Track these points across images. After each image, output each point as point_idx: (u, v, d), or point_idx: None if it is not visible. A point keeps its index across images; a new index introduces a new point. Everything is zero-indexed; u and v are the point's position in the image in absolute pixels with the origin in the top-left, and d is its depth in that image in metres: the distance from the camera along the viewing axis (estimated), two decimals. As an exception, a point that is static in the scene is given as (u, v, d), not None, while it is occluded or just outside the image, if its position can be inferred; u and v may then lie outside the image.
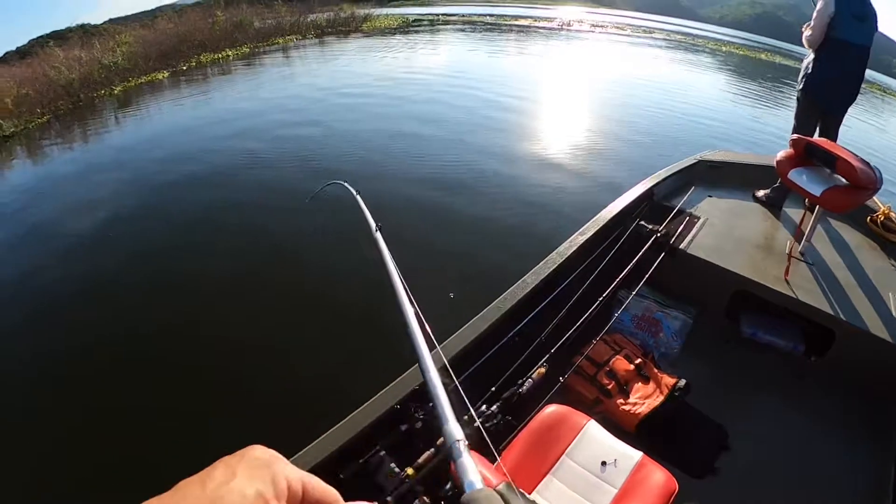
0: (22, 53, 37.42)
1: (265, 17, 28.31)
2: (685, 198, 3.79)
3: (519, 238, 5.60)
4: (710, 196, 4.00)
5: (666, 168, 4.17)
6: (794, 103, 4.24)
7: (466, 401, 1.47)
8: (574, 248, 3.01)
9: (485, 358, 2.29)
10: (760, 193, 4.10)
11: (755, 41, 64.45)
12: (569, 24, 36.83)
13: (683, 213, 3.63)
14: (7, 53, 46.66)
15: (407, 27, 30.66)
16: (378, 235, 2.21)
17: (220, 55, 21.97)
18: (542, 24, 36.20)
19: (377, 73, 15.11)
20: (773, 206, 3.99)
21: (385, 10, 39.08)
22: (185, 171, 8.37)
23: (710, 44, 37.04)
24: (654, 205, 3.80)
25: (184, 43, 22.38)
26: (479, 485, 0.87)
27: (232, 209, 6.78)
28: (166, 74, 19.81)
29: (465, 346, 2.23)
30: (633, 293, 3.01)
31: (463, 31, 29.47)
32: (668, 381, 2.59)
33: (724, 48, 34.98)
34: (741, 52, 33.86)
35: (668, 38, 37.29)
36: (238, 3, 30.23)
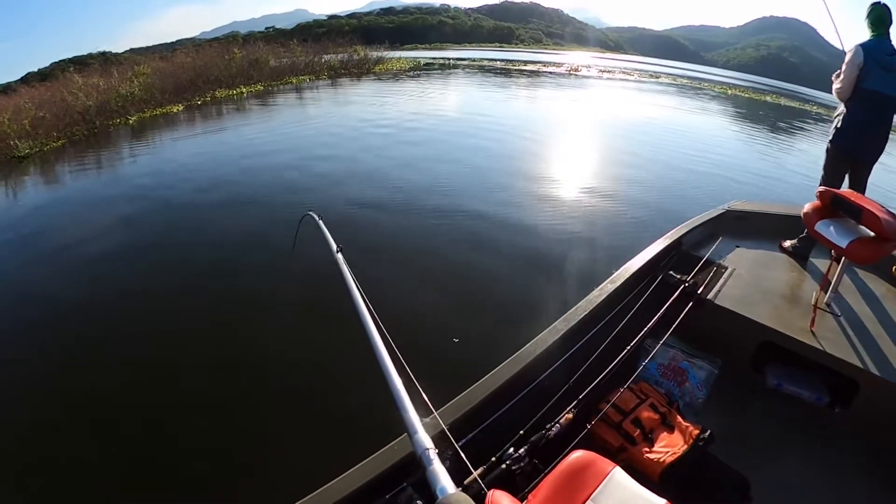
0: (43, 75, 38.46)
1: (281, 56, 29.31)
2: (713, 248, 3.86)
3: (540, 286, 5.59)
4: (737, 246, 4.05)
5: (693, 218, 4.25)
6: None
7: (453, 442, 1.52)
8: (604, 296, 3.04)
9: (515, 401, 2.33)
10: (787, 244, 4.15)
11: (761, 83, 65.34)
12: (577, 70, 37.92)
13: (711, 264, 3.69)
14: (29, 74, 48.02)
15: (419, 70, 31.55)
16: (339, 257, 2.38)
17: (234, 91, 22.74)
18: (550, 69, 37.23)
19: (389, 115, 15.60)
20: (800, 256, 4.03)
21: (397, 54, 40.16)
22: (190, 203, 8.93)
23: (715, 87, 37.64)
24: (682, 254, 3.86)
25: (200, 77, 23.21)
26: (451, 489, 1.03)
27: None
28: (181, 108, 20.42)
29: (497, 388, 2.26)
30: (661, 343, 3.03)
31: (473, 75, 30.36)
32: (693, 430, 2.58)
33: (730, 91, 35.55)
34: (747, 95, 34.44)
35: (674, 82, 38.16)
36: (255, 41, 31.28)
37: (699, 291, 3.32)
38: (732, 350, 3.25)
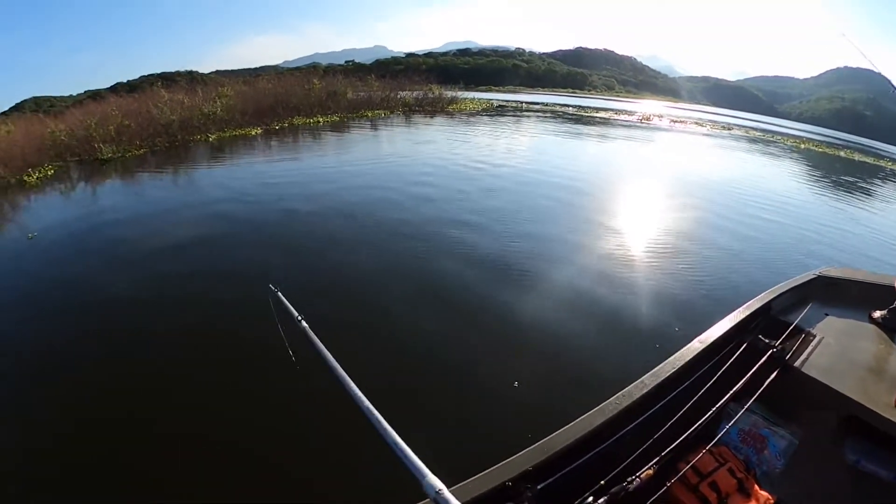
0: (131, 87, 40.71)
1: (358, 89, 29.99)
2: (802, 314, 3.75)
3: (625, 342, 5.39)
4: (826, 314, 3.91)
5: (784, 283, 4.16)
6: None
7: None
8: (691, 355, 3.04)
9: (598, 450, 2.37)
10: (877, 315, 3.93)
11: (835, 137, 63.52)
12: (648, 119, 37.60)
13: (800, 330, 3.61)
14: (118, 84, 51.10)
15: (491, 112, 31.79)
16: (304, 325, 2.39)
17: (311, 120, 23.40)
18: (622, 117, 37.04)
19: (462, 154, 15.49)
20: (890, 329, 3.81)
21: (471, 94, 40.66)
22: (258, 220, 9.14)
23: (788, 140, 36.73)
24: (771, 319, 3.79)
25: (280, 104, 23.98)
26: None
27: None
28: (259, 131, 21.06)
29: (581, 436, 2.30)
30: (744, 409, 3.00)
31: (545, 120, 30.34)
32: (768, 499, 2.58)
33: (802, 145, 34.62)
34: (820, 150, 33.39)
35: (746, 134, 37.19)
36: (334, 73, 32.16)
37: (786, 358, 3.25)
38: (814, 421, 3.19)
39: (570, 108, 40.39)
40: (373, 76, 32.22)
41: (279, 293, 2.95)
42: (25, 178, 15.44)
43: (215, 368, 4.81)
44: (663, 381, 2.79)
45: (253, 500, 3.40)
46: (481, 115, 29.71)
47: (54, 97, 63.70)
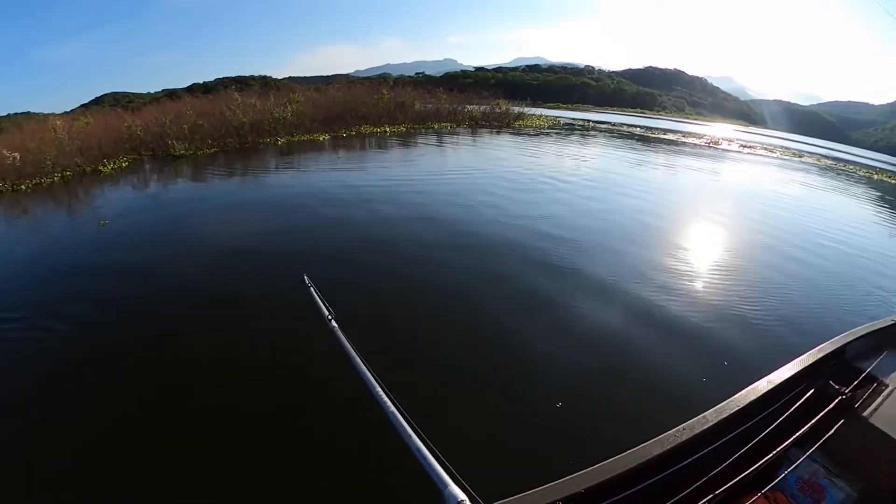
0: (207, 88, 42.16)
1: (426, 101, 30.03)
2: (876, 362, 3.55)
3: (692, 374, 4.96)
4: None
5: (860, 327, 3.85)
6: None
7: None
8: (757, 395, 2.89)
9: (651, 481, 2.32)
10: None
11: None
12: (717, 143, 36.23)
13: (872, 378, 3.40)
14: (194, 85, 53.05)
15: (558, 130, 31.30)
16: (334, 324, 2.37)
17: (379, 129, 23.51)
18: (691, 139, 35.87)
19: (533, 169, 14.90)
20: None
21: (538, 111, 40.15)
22: (315, 227, 8.99)
23: (861, 170, 34.70)
24: (843, 364, 3.59)
25: (349, 112, 24.27)
26: None
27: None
28: (327, 137, 21.37)
29: (637, 465, 2.23)
30: (805, 455, 2.87)
31: (613, 140, 29.62)
32: None
33: (875, 175, 32.54)
34: (894, 181, 31.64)
35: (818, 162, 35.26)
36: (403, 84, 32.34)
37: (855, 406, 3.13)
38: (877, 475, 2.97)
39: (638, 129, 39.45)
40: (441, 89, 32.21)
41: (312, 288, 2.91)
42: (101, 167, 16.32)
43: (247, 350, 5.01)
44: (726, 417, 2.69)
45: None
46: (548, 132, 29.24)
47: (132, 93, 66.81)
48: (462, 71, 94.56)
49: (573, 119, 41.79)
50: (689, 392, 4.54)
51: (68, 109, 39.40)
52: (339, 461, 3.60)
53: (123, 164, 17.07)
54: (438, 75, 75.26)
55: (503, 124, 29.79)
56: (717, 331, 5.86)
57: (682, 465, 2.49)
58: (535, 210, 10.61)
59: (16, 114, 45.08)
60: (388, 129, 23.55)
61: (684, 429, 2.53)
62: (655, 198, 13.28)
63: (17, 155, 16.25)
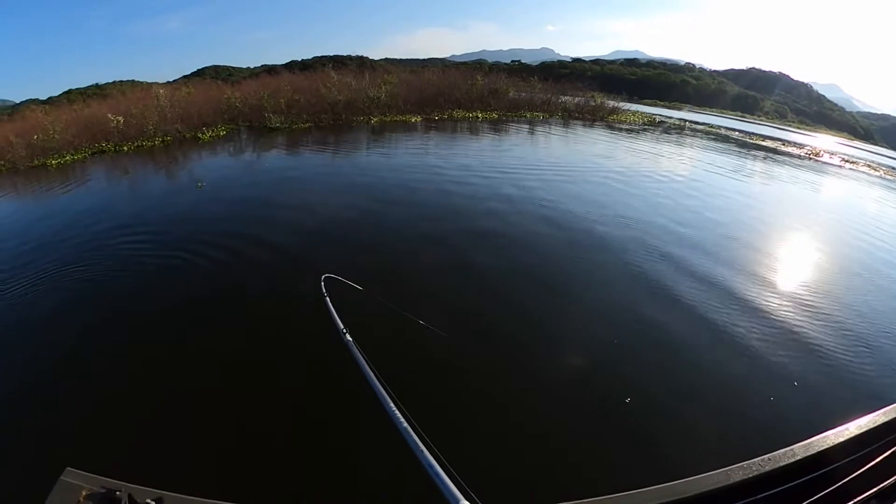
0: (304, 66, 43.26)
1: (520, 89, 29.51)
2: None
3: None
4: None
5: None
6: None
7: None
8: (846, 437, 2.54)
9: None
10: None
11: None
12: (818, 154, 33.62)
13: None
14: (292, 62, 54.59)
15: (652, 127, 29.92)
16: (349, 338, 2.30)
17: (471, 114, 23.32)
18: (789, 148, 33.54)
19: (618, 167, 14.13)
20: None
21: (634, 107, 38.57)
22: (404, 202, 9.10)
23: None
24: None
25: (441, 96, 24.26)
26: None
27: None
28: (419, 119, 21.35)
29: (714, 489, 2.11)
30: None
31: (710, 142, 27.97)
32: None
33: None
34: None
35: None
36: (498, 71, 31.84)
37: None
38: None
39: (737, 133, 37.20)
40: (536, 78, 31.53)
41: (327, 298, 2.83)
42: (200, 135, 17.20)
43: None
44: (812, 455, 2.43)
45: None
46: (643, 129, 27.92)
47: (232, 67, 69.58)
48: (559, 61, 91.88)
49: (668, 117, 39.86)
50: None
51: (171, 79, 41.35)
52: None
53: (221, 133, 17.77)
54: (534, 64, 73.74)
55: (596, 118, 28.79)
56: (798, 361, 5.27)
57: (760, 496, 2.26)
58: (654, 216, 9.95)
59: (120, 81, 48.07)
60: (479, 115, 23.34)
61: (768, 459, 2.34)
62: (750, 209, 12.16)
63: (120, 119, 17.42)
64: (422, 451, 1.52)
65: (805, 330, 5.93)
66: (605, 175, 12.87)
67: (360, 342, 2.22)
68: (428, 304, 5.50)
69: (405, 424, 1.63)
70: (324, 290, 2.96)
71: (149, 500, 1.83)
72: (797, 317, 6.20)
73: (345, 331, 2.37)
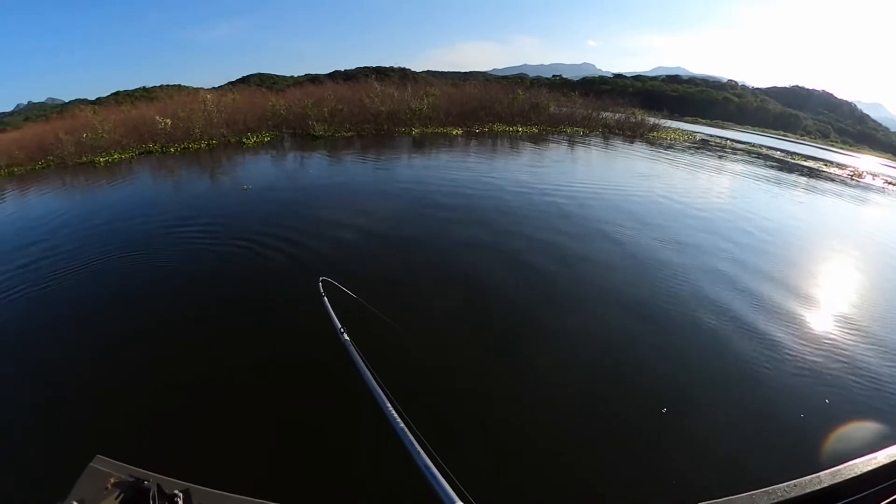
0: (347, 76, 43.90)
1: (561, 104, 29.47)
2: None
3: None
4: None
5: None
6: None
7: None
8: (876, 465, 2.22)
9: None
10: None
11: None
12: (860, 176, 32.43)
13: None
14: (336, 72, 55.42)
15: (693, 145, 29.33)
16: (346, 338, 2.29)
17: (511, 128, 23.35)
18: (831, 169, 32.52)
19: (666, 187, 13.77)
20: None
21: (674, 124, 37.93)
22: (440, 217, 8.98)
23: None
24: None
25: (482, 109, 24.37)
26: None
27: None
28: (460, 131, 21.47)
29: None
30: None
31: (749, 161, 27.21)
32: None
33: None
34: None
35: None
36: (539, 86, 31.73)
37: None
38: None
39: (778, 153, 36.26)
40: (577, 93, 31.40)
41: (325, 298, 2.85)
42: (244, 140, 17.73)
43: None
44: (843, 482, 2.17)
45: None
46: (685, 147, 27.38)
47: (276, 75, 70.64)
48: (600, 77, 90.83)
49: (710, 135, 39.04)
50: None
51: (216, 85, 42.33)
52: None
53: (265, 139, 18.18)
54: (575, 79, 73.31)
55: (636, 135, 28.42)
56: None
57: None
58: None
59: (167, 85, 49.47)
60: (520, 129, 23.36)
61: (795, 485, 2.12)
62: (787, 233, 11.69)
63: (168, 121, 17.90)
64: (418, 451, 1.52)
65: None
66: (656, 195, 12.63)
67: (358, 342, 2.23)
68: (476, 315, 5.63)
69: (402, 425, 1.64)
70: (321, 291, 2.99)
71: (176, 491, 1.87)
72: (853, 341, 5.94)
73: (342, 330, 2.38)
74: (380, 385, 1.86)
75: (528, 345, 5.22)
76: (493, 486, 3.17)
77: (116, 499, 1.94)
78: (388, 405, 1.73)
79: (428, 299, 5.98)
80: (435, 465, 1.46)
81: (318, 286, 3.05)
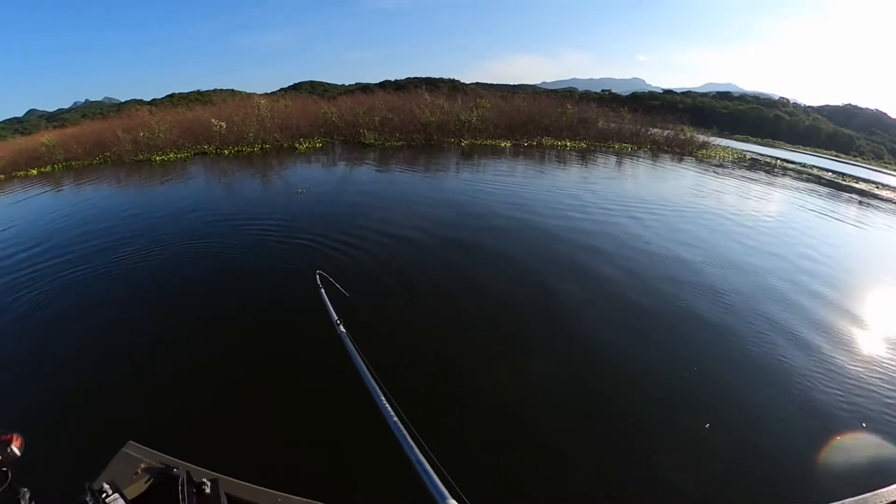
0: (398, 86, 44.54)
1: (610, 119, 29.11)
2: None
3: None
4: None
5: None
6: None
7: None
8: None
9: None
10: None
11: None
12: None
13: None
14: (386, 82, 56.19)
15: (743, 164, 28.50)
16: (342, 330, 2.29)
17: (559, 142, 23.24)
18: (885, 192, 31.11)
19: (723, 208, 13.25)
20: None
21: (724, 142, 36.77)
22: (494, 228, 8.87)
23: None
24: None
25: (531, 122, 24.35)
26: None
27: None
28: (509, 144, 21.53)
29: None
30: None
31: (799, 182, 26.19)
32: None
33: None
34: None
35: None
36: (588, 100, 31.48)
37: None
38: None
39: (829, 174, 34.89)
40: (626, 109, 30.94)
41: (322, 290, 2.87)
42: (297, 145, 18.34)
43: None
44: None
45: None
46: (734, 166, 26.62)
47: (328, 83, 71.44)
48: (650, 92, 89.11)
49: (760, 154, 37.87)
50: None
51: (268, 91, 43.36)
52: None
53: (317, 145, 18.68)
54: (625, 94, 71.99)
55: (685, 152, 27.82)
56: None
57: None
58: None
59: (221, 89, 50.82)
60: (568, 144, 23.23)
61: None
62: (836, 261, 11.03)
63: (223, 124, 18.41)
64: (411, 446, 1.51)
65: None
66: (715, 216, 12.22)
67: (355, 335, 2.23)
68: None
69: (395, 419, 1.63)
70: (318, 283, 3.00)
71: (205, 480, 1.96)
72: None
73: (338, 322, 2.37)
74: (374, 378, 1.85)
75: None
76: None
77: (146, 483, 2.03)
78: (382, 398, 1.73)
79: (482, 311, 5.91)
80: (427, 461, 1.45)
81: (315, 279, 3.07)
